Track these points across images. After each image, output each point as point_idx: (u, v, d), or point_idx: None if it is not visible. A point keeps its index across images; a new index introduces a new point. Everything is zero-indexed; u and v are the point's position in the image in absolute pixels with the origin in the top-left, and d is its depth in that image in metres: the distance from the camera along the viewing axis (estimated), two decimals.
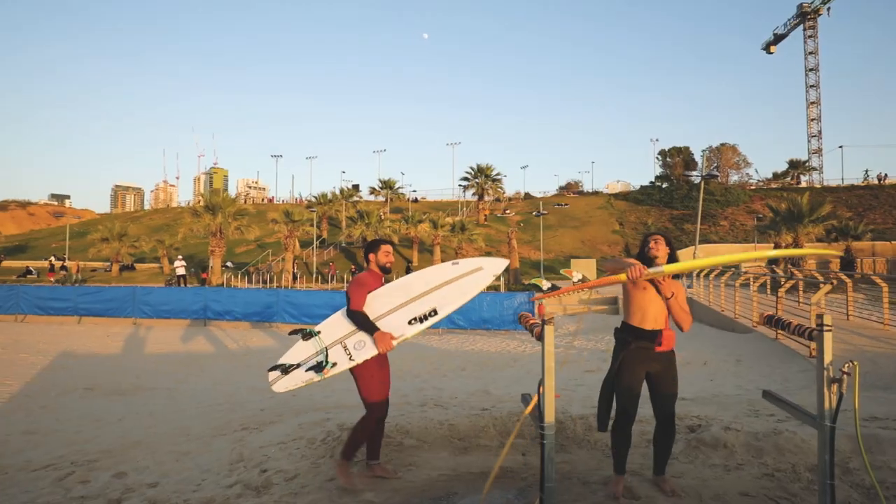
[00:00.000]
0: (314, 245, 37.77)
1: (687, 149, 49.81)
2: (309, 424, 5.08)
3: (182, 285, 27.37)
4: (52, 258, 40.16)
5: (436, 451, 4.45)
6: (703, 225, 45.76)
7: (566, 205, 52.87)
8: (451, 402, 6.12)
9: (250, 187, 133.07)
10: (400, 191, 56.79)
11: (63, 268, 35.71)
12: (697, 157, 49.68)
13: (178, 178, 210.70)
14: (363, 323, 3.47)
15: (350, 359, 3.40)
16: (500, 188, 47.98)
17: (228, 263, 38.72)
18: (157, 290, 18.36)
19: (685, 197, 47.99)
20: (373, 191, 56.83)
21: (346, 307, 3.62)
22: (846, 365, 3.06)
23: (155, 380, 8.43)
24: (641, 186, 56.18)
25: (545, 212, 35.63)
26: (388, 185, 54.77)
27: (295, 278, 30.44)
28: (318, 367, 3.28)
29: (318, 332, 3.53)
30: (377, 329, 3.43)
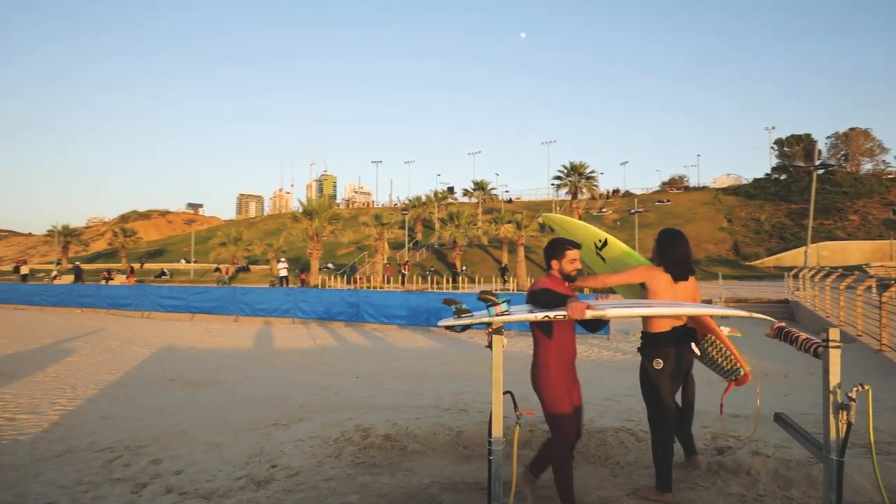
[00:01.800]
0: (406, 247, 38.96)
1: (808, 136, 44.90)
2: (331, 423, 5.27)
3: (284, 286, 29.49)
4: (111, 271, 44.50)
5: (438, 457, 4.43)
6: (828, 220, 40.96)
7: (668, 201, 49.82)
8: (480, 406, 6.04)
9: (356, 192, 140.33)
10: (493, 192, 56.83)
11: (217, 269, 40.06)
12: (822, 145, 44.57)
13: (292, 185, 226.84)
14: (552, 296, 2.96)
15: (529, 311, 2.96)
16: (595, 186, 46.29)
17: (329, 265, 41.11)
18: (254, 291, 19.93)
19: (805, 189, 43.22)
20: (466, 192, 57.41)
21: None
22: (854, 389, 2.65)
23: (228, 374, 9.17)
24: (755, 179, 51.52)
25: (641, 209, 33.73)
26: (480, 186, 55.08)
27: (433, 279, 30.73)
28: (492, 304, 2.90)
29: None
30: (571, 297, 2.94)
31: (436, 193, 55.84)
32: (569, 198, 49.16)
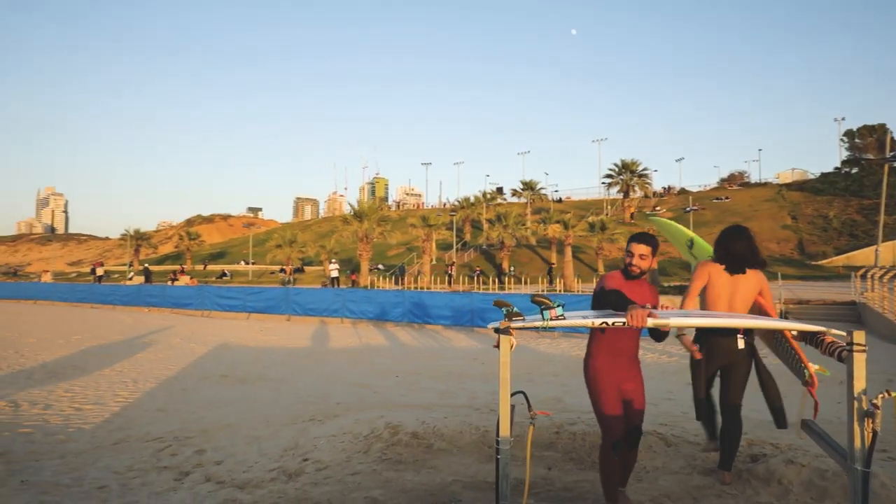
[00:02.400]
0: (454, 248, 39.15)
1: (882, 126, 41.88)
2: (363, 421, 5.43)
3: (336, 286, 30.30)
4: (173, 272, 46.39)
5: (463, 456, 4.50)
6: None
7: (727, 198, 47.71)
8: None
9: (408, 194, 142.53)
10: (542, 191, 56.25)
11: (282, 270, 41.79)
12: None
13: (346, 188, 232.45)
14: (620, 299, 2.94)
15: (583, 316, 2.86)
16: (648, 183, 45.01)
17: (380, 266, 41.89)
18: (305, 291, 20.62)
19: (879, 183, 40.41)
20: (515, 193, 57.09)
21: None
22: (879, 396, 2.55)
23: (276, 371, 9.57)
24: (822, 174, 48.57)
25: (696, 207, 32.41)
26: (529, 186, 54.63)
27: (479, 280, 30.91)
28: (546, 308, 2.78)
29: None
30: (632, 303, 2.83)
31: (484, 194, 55.82)
32: (620, 196, 48.04)
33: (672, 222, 5.95)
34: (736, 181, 59.13)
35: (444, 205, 68.10)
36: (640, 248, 3.17)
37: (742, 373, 3.68)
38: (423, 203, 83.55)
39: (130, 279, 40.55)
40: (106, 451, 5.15)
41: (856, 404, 2.60)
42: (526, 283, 29.82)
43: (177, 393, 7.84)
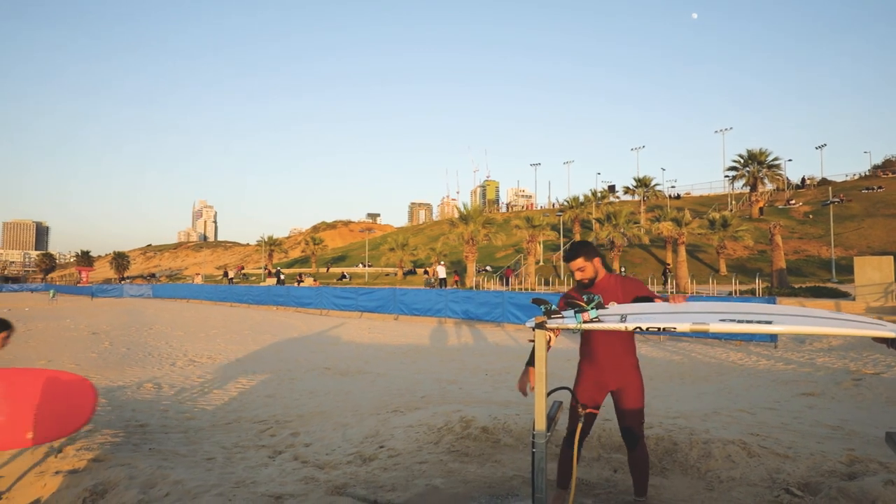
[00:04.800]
0: (561, 249, 38.34)
1: None
2: (440, 413, 5.67)
3: (443, 287, 31.15)
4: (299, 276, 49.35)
5: (527, 453, 4.55)
6: None
7: (879, 188, 41.62)
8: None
9: (518, 195, 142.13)
10: (657, 188, 53.18)
11: (425, 272, 44.01)
12: None
13: (458, 192, 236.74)
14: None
15: (620, 319, 2.84)
16: (779, 174, 40.66)
17: (488, 267, 42.28)
18: (411, 292, 21.46)
19: None
20: (627, 190, 54.58)
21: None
22: None
23: (375, 366, 10.16)
24: None
25: (838, 199, 28.56)
26: (643, 183, 51.92)
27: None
28: (580, 310, 2.88)
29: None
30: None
31: (594, 193, 54.03)
32: (746, 190, 44.00)
33: None
34: (893, 167, 51.30)
35: (554, 205, 66.92)
36: (573, 265, 3.40)
37: None
38: (533, 204, 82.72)
39: (290, 280, 44.50)
40: (220, 429, 5.89)
41: None
42: None
43: (286, 382, 8.65)
